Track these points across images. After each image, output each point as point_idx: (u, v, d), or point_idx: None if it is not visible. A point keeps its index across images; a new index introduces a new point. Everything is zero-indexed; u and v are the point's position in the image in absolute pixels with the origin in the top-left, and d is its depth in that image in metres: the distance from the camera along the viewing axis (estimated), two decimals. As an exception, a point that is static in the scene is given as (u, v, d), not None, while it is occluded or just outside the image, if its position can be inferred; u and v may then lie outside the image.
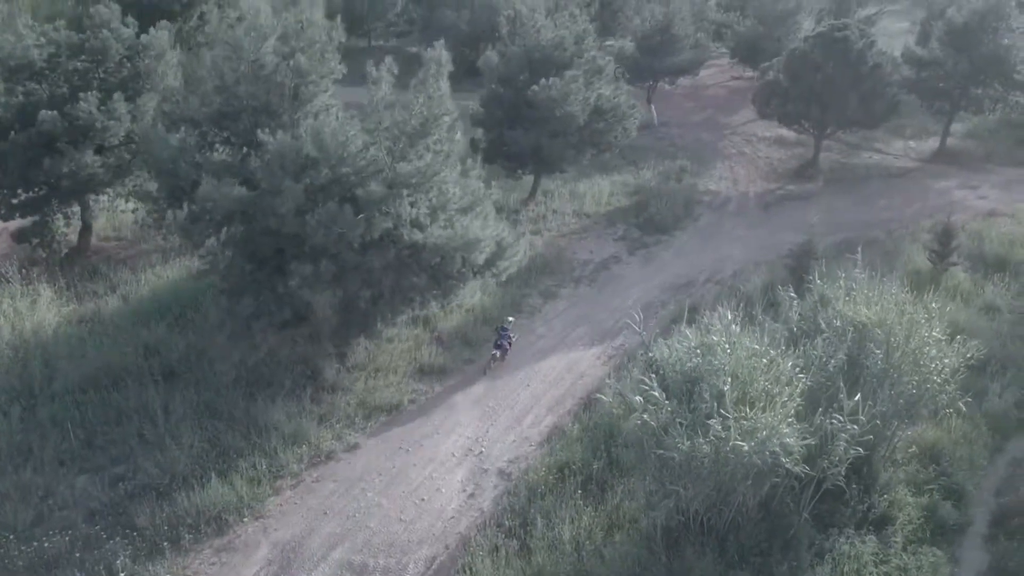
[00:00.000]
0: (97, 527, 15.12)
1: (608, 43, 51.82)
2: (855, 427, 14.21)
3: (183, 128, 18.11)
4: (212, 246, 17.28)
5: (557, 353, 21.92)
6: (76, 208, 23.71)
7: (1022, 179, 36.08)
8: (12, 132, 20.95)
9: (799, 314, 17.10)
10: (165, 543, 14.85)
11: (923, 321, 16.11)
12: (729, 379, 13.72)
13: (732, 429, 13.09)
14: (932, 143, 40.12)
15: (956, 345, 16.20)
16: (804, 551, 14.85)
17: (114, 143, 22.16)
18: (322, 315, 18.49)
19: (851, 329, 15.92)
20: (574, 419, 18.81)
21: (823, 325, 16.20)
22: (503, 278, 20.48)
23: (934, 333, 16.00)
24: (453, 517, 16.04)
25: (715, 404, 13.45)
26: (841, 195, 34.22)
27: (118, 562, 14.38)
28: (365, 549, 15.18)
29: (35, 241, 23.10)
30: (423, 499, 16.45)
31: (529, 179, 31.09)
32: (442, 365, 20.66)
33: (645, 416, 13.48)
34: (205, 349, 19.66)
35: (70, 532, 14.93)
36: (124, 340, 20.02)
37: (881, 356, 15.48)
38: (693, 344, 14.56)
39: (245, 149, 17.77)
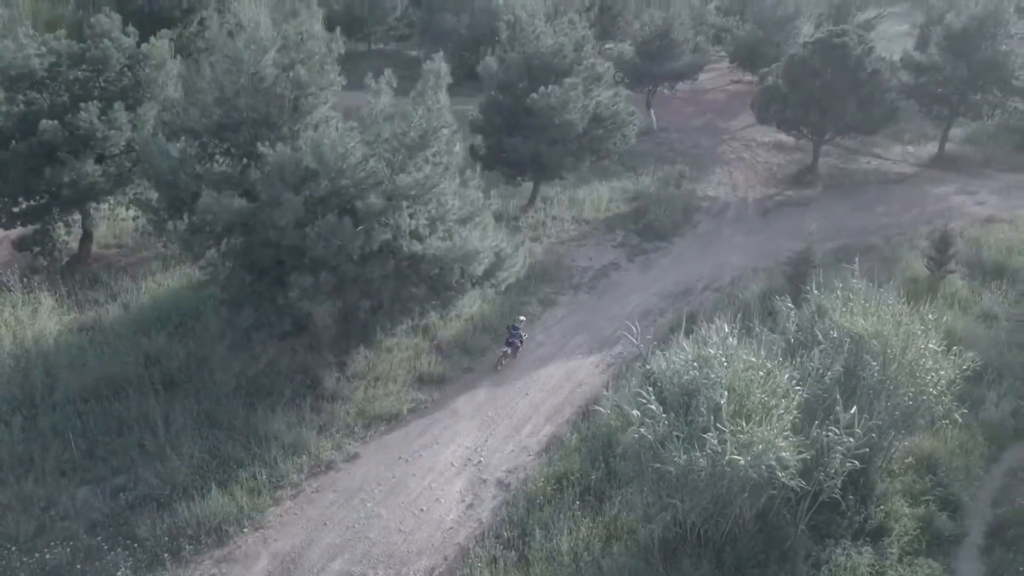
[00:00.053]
0: (98, 538, 15.20)
1: (607, 47, 52.01)
2: (851, 440, 14.29)
3: (183, 139, 18.22)
4: (212, 257, 17.37)
5: (556, 361, 22.02)
6: (77, 216, 23.79)
7: (1020, 185, 36.17)
8: (13, 141, 21.05)
9: (796, 325, 17.19)
10: (166, 554, 14.94)
11: (920, 332, 16.19)
12: (726, 392, 13.80)
13: (728, 443, 13.17)
14: (931, 148, 40.22)
15: (952, 356, 16.27)
16: (801, 562, 14.94)
17: (115, 152, 22.29)
18: (322, 325, 18.58)
19: (848, 340, 16.00)
20: (572, 428, 18.90)
21: (820, 336, 16.28)
22: (502, 288, 20.57)
23: (930, 344, 16.07)
24: (452, 528, 16.13)
25: (711, 417, 13.54)
26: (839, 201, 34.31)
27: (119, 573, 14.48)
28: (364, 560, 15.27)
29: (36, 249, 23.19)
30: (422, 509, 16.54)
31: (528, 186, 31.19)
32: (441, 374, 20.74)
33: (642, 430, 13.56)
34: (205, 358, 19.75)
35: (71, 543, 15.00)
36: (125, 349, 20.10)
37: (877, 368, 15.55)
38: (690, 357, 14.65)
39: (245, 160, 17.88)
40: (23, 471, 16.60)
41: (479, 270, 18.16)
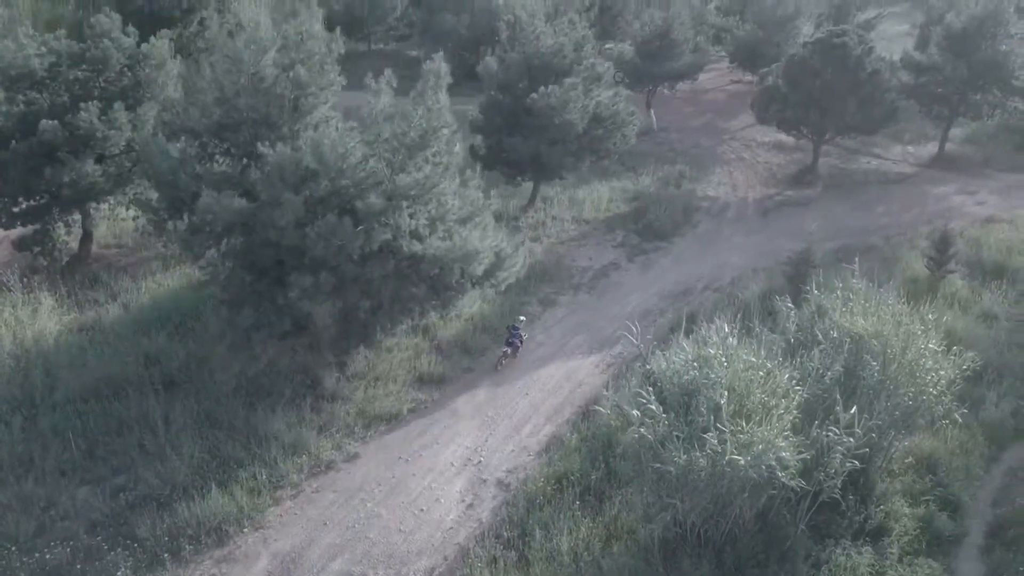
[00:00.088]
0: (98, 538, 15.20)
1: (607, 47, 52.02)
2: (851, 440, 14.29)
3: (183, 138, 18.23)
4: (212, 257, 17.38)
5: (556, 361, 22.01)
6: (77, 216, 23.80)
7: (1020, 184, 36.18)
8: (13, 141, 21.04)
9: (796, 325, 17.19)
10: (166, 554, 14.94)
11: (919, 333, 16.19)
12: (726, 392, 13.80)
13: (728, 443, 13.18)
14: (931, 148, 40.22)
15: (952, 357, 16.27)
16: (800, 562, 14.94)
17: (115, 152, 22.28)
18: (322, 325, 18.58)
19: (848, 340, 16.00)
20: (572, 428, 18.90)
21: (820, 337, 16.29)
22: (502, 288, 20.58)
23: (930, 345, 16.08)
24: (452, 528, 16.13)
25: (711, 417, 13.54)
26: (839, 201, 34.31)
27: (119, 574, 14.48)
28: (364, 560, 15.27)
29: (36, 249, 23.20)
30: (422, 509, 16.54)
31: (528, 186, 31.19)
32: (441, 374, 20.75)
33: (642, 430, 13.56)
34: (206, 358, 19.75)
35: (71, 543, 15.00)
36: (125, 349, 20.11)
37: (877, 368, 15.56)
38: (690, 357, 14.65)
39: (245, 160, 17.89)
40: (23, 471, 16.61)
41: (479, 270, 18.16)
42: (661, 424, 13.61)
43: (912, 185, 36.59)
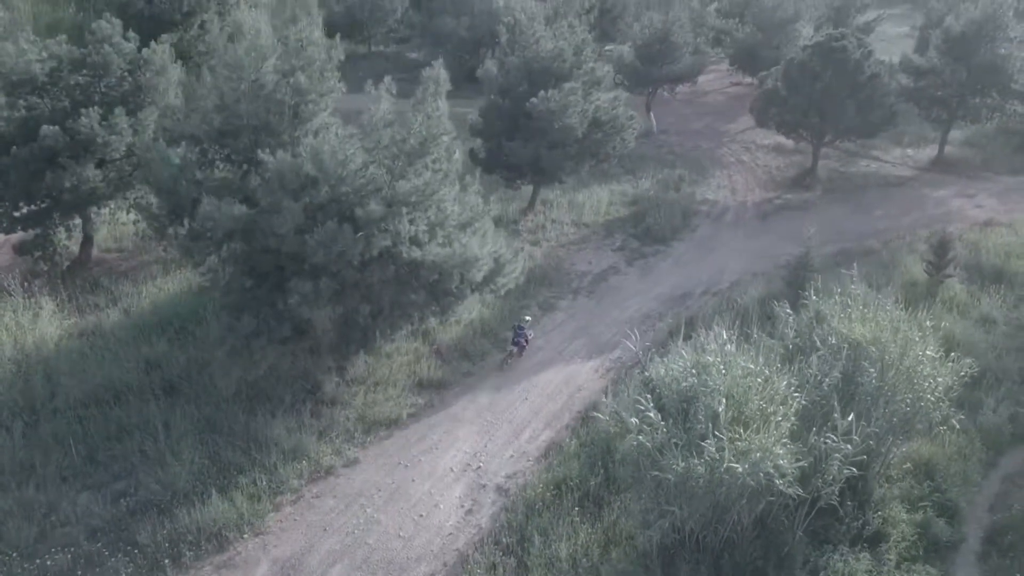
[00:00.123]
0: (99, 544, 15.28)
1: (607, 48, 52.09)
2: (849, 447, 14.35)
3: (183, 144, 18.29)
4: (212, 263, 17.43)
5: (556, 366, 22.07)
6: (78, 220, 23.85)
7: (1019, 187, 36.25)
8: (14, 147, 21.06)
9: (795, 331, 17.26)
10: (166, 560, 15.02)
11: (917, 339, 16.26)
12: (724, 399, 13.88)
13: (726, 450, 13.24)
14: (930, 151, 40.26)
15: (950, 363, 16.33)
16: (798, 568, 15.02)
17: (115, 157, 22.31)
18: (322, 330, 18.65)
19: (846, 347, 16.08)
20: (572, 434, 18.98)
21: (818, 343, 16.35)
22: (501, 294, 20.64)
23: (928, 351, 16.14)
24: (451, 534, 16.19)
25: (710, 425, 13.62)
26: (839, 204, 34.37)
27: (120, 580, 14.57)
28: (364, 566, 15.34)
29: (37, 254, 23.24)
30: (422, 515, 16.60)
31: (528, 189, 31.24)
32: (441, 379, 20.81)
33: (641, 437, 13.62)
34: (206, 364, 19.82)
35: (72, 549, 15.10)
36: (125, 355, 20.17)
37: (875, 374, 15.63)
38: (688, 364, 14.71)
39: (245, 166, 17.95)
40: (24, 477, 16.69)
41: (478, 276, 18.22)
42: (659, 432, 13.67)
43: (911, 188, 36.64)
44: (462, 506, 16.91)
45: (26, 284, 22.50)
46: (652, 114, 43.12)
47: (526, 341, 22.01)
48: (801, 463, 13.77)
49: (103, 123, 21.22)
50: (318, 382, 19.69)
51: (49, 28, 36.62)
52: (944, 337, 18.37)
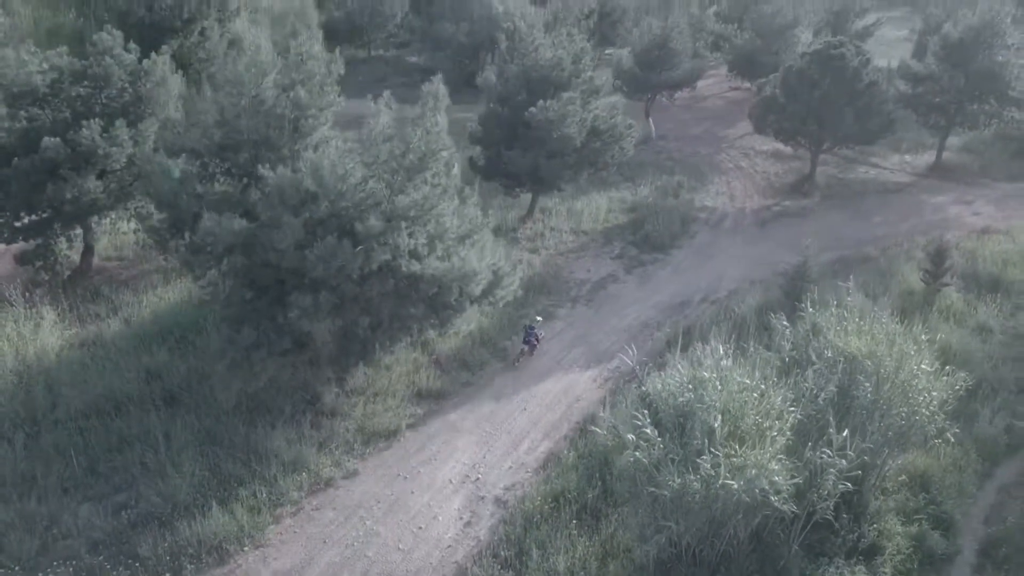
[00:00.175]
0: (100, 557, 15.38)
1: (607, 52, 52.28)
2: (844, 462, 14.46)
3: (183, 157, 18.40)
4: (213, 277, 17.54)
5: (554, 375, 22.18)
6: (78, 230, 23.96)
7: (1016, 194, 36.40)
8: (16, 158, 21.18)
9: (791, 343, 17.38)
10: (167, 573, 15.13)
11: (913, 353, 16.37)
12: (720, 415, 14.00)
13: (722, 467, 13.35)
14: (928, 157, 40.41)
15: (945, 377, 16.44)
16: (794, 582, 15.14)
17: (116, 168, 22.42)
18: (321, 342, 18.75)
19: (842, 360, 16.20)
20: (570, 445, 19.08)
21: (814, 357, 16.46)
22: (500, 306, 20.75)
23: (923, 365, 16.25)
24: (450, 546, 16.30)
25: (706, 441, 13.73)
26: (837, 211, 34.50)
27: (121, 593, 14.68)
28: (363, 579, 15.46)
29: (38, 263, 23.37)
30: (420, 527, 16.71)
31: (527, 197, 31.36)
32: (440, 389, 20.92)
33: (637, 453, 13.74)
34: (206, 374, 19.93)
35: (74, 562, 15.19)
36: (126, 365, 20.27)
37: (871, 388, 15.75)
38: (685, 379, 14.83)
39: (245, 180, 18.07)
40: (26, 489, 16.78)
41: (477, 290, 18.33)
42: (656, 447, 13.79)
43: (909, 194, 36.77)
44: (461, 518, 17.02)
45: (27, 294, 22.60)
46: (651, 120, 43.26)
47: (537, 340, 22.64)
48: (796, 479, 13.89)
49: (104, 135, 21.35)
50: (318, 393, 19.80)
51: (50, 34, 36.83)
52: (940, 347, 18.46)
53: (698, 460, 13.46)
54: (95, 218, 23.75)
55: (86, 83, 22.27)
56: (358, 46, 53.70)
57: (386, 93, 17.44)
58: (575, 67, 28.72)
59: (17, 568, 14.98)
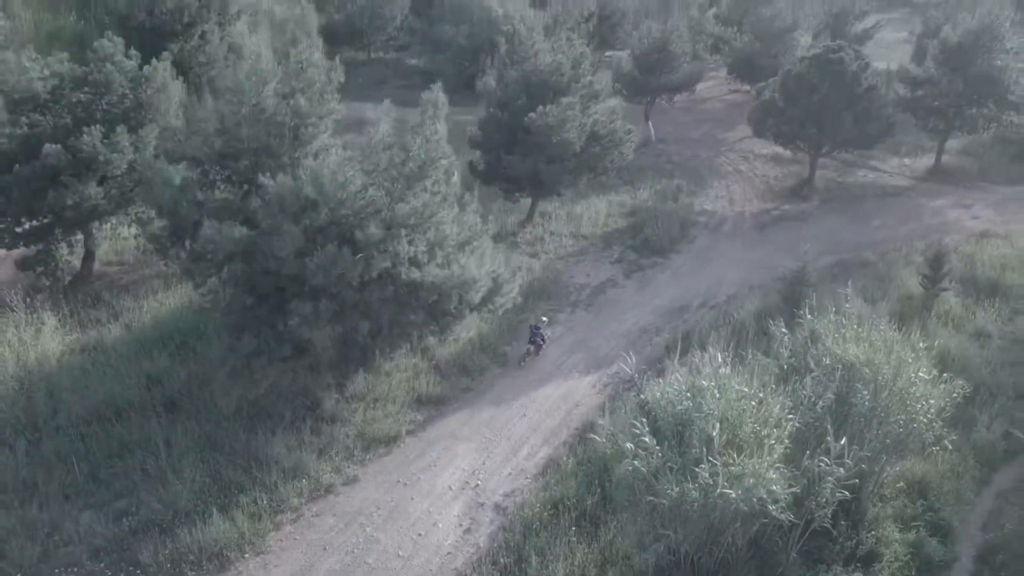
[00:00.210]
0: (102, 564, 15.43)
1: (607, 55, 52.35)
2: (841, 470, 14.53)
3: (184, 164, 18.47)
4: (213, 284, 17.61)
5: (554, 381, 22.24)
6: (79, 236, 24.03)
7: (1015, 197, 36.50)
8: (16, 164, 21.23)
9: (789, 350, 17.45)
10: (168, 581, 15.21)
11: (910, 360, 16.44)
12: (718, 424, 14.07)
13: (720, 475, 13.42)
14: (927, 160, 40.50)
15: (942, 384, 16.50)
16: (792, 589, 15.20)
17: (117, 174, 22.49)
18: (321, 348, 18.82)
19: (840, 368, 16.27)
20: (569, 452, 19.12)
21: (812, 364, 16.53)
22: (499, 313, 20.82)
23: (921, 372, 16.31)
24: (450, 553, 16.36)
25: (704, 449, 13.80)
26: (836, 215, 34.59)
27: (122, 601, 14.74)
28: (363, 586, 15.52)
29: (39, 269, 23.42)
30: (420, 534, 16.78)
31: (527, 201, 31.42)
32: (440, 395, 20.98)
33: (636, 462, 13.81)
34: (207, 379, 20.00)
35: (75, 569, 15.25)
36: (127, 371, 20.31)
37: (869, 396, 15.81)
38: (683, 387, 14.90)
39: (246, 187, 18.14)
40: (27, 495, 16.82)
41: (476, 298, 18.40)
42: (654, 456, 13.86)
43: (908, 198, 36.87)
44: (460, 525, 17.09)
45: (28, 299, 22.66)
46: (650, 123, 43.35)
47: (543, 340, 22.84)
48: (794, 489, 13.95)
49: (105, 141, 21.39)
50: (318, 399, 19.87)
51: (50, 37, 36.82)
52: (938, 353, 18.55)
53: (696, 469, 13.53)
54: (96, 223, 23.82)
55: (87, 89, 22.31)
56: (358, 48, 53.77)
57: (386, 102, 17.50)
58: (574, 72, 28.80)
59: (18, 575, 15.04)
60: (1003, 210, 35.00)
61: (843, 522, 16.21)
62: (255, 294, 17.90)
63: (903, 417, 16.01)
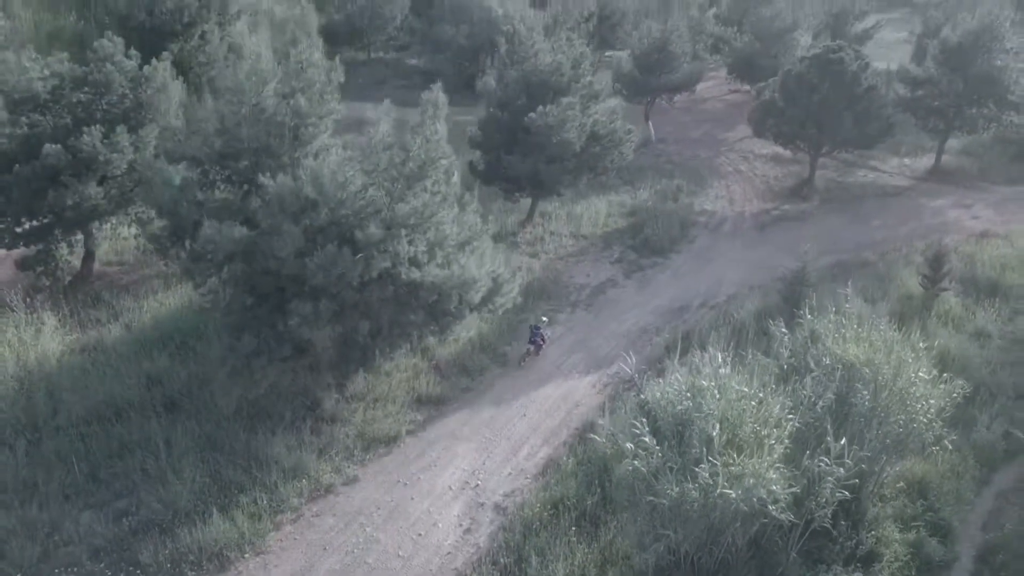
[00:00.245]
0: (102, 564, 15.43)
1: (607, 55, 52.36)
2: (841, 470, 14.53)
3: (184, 164, 18.48)
4: (213, 284, 17.61)
5: (554, 380, 22.24)
6: (79, 236, 24.03)
7: (1016, 197, 36.51)
8: (16, 164, 21.23)
9: (789, 350, 17.45)
10: (168, 581, 15.20)
11: (910, 360, 16.44)
12: (718, 424, 14.07)
13: (720, 475, 13.43)
14: (927, 160, 40.50)
15: (942, 384, 16.50)
16: (792, 589, 15.21)
17: (117, 174, 22.49)
18: (321, 348, 18.82)
19: (840, 368, 16.27)
20: (569, 451, 19.13)
21: (812, 364, 16.53)
22: (499, 313, 20.81)
23: (920, 373, 16.32)
24: (450, 553, 16.36)
25: (704, 449, 13.80)
26: (836, 215, 34.59)
27: (122, 601, 14.74)
28: (363, 586, 15.53)
29: (39, 269, 23.42)
30: (420, 534, 16.78)
31: (527, 201, 31.43)
32: (440, 395, 20.98)
33: (636, 462, 13.81)
34: (207, 379, 20.00)
35: (76, 569, 15.24)
36: (127, 370, 20.32)
37: (869, 396, 15.82)
38: (683, 387, 14.90)
39: (246, 187, 18.14)
40: (27, 495, 16.82)
41: (476, 298, 18.40)
42: (654, 456, 13.86)
43: (908, 198, 36.88)
44: (460, 525, 17.09)
45: (28, 299, 22.66)
46: (651, 123, 43.35)
47: (543, 340, 22.88)
48: (794, 489, 13.96)
49: (105, 141, 21.39)
50: (318, 399, 19.87)
51: (50, 37, 36.79)
52: (938, 353, 18.56)
53: (696, 469, 13.53)
54: (96, 223, 23.82)
55: (87, 89, 22.31)
56: (358, 48, 53.77)
57: (386, 102, 17.50)
58: (574, 72, 28.80)
59: (19, 575, 15.04)
60: (1003, 210, 35.01)
61: (843, 522, 16.21)
62: (255, 294, 17.90)
63: (903, 417, 16.01)
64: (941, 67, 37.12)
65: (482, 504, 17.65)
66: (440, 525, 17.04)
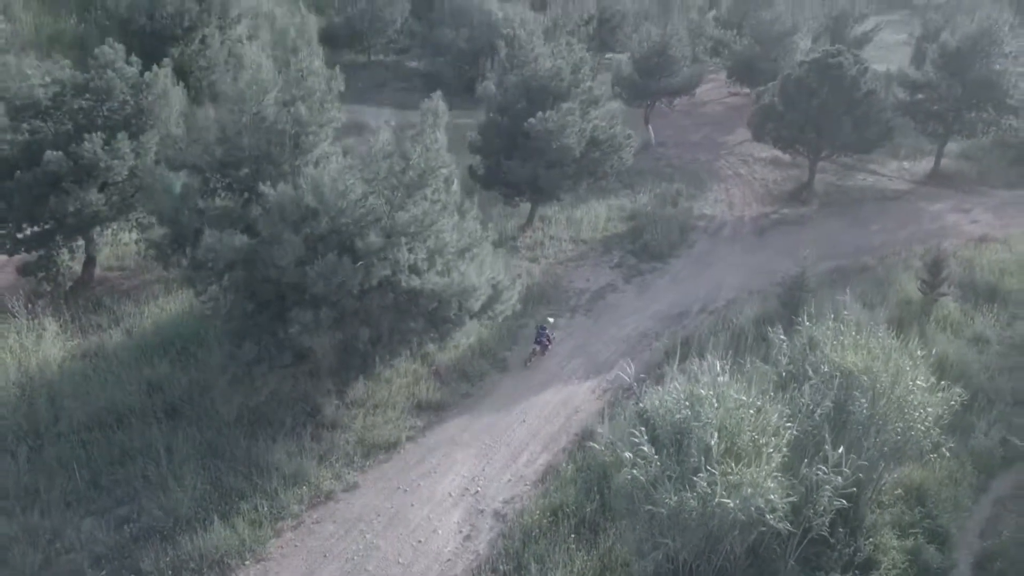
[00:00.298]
0: (103, 572, 15.52)
1: (607, 57, 52.41)
2: (839, 479, 14.60)
3: (185, 172, 18.55)
4: (214, 292, 17.67)
5: (554, 386, 22.31)
6: (80, 241, 24.09)
7: (1014, 201, 36.58)
8: (18, 170, 21.30)
9: (788, 357, 17.51)
10: (169, 588, 15.27)
11: (908, 368, 16.50)
12: (716, 432, 14.13)
13: (718, 484, 13.49)
14: (926, 164, 40.55)
15: (940, 392, 16.56)
16: (791, 596, 15.27)
17: (118, 180, 22.56)
18: (322, 355, 18.89)
19: (838, 375, 16.33)
20: (568, 458, 19.20)
21: (811, 372, 16.60)
22: (499, 320, 20.88)
23: (918, 380, 16.37)
24: (449, 560, 16.44)
25: (702, 458, 13.87)
26: (835, 219, 34.65)
27: (124, 608, 14.81)
28: (363, 593, 15.59)
29: (40, 275, 23.48)
30: (420, 541, 16.85)
31: (527, 206, 31.49)
32: (440, 400, 21.04)
33: (635, 471, 13.88)
34: (207, 385, 20.07)
35: (77, 576, 15.36)
36: (128, 376, 20.39)
37: (867, 404, 15.88)
38: (682, 395, 14.96)
39: (247, 195, 18.20)
40: (29, 502, 16.91)
41: (476, 305, 18.47)
42: (653, 465, 13.92)
43: (907, 202, 36.94)
44: (460, 532, 17.16)
45: (30, 305, 22.69)
46: (650, 127, 43.40)
47: (548, 341, 23.15)
48: (792, 498, 14.02)
49: (106, 147, 21.47)
50: (318, 405, 19.93)
51: (51, 41, 36.89)
52: (937, 359, 18.61)
53: (695, 478, 13.60)
54: (97, 229, 23.89)
55: (88, 96, 22.38)
56: (358, 51, 53.77)
57: (386, 111, 17.55)
58: (574, 77, 28.84)
59: (20, 582, 15.14)
60: (1002, 214, 35.07)
61: (841, 529, 16.29)
62: (256, 302, 17.97)
63: (901, 425, 16.07)
64: (940, 71, 37.19)
65: (482, 511, 17.72)
66: (440, 532, 17.11)
